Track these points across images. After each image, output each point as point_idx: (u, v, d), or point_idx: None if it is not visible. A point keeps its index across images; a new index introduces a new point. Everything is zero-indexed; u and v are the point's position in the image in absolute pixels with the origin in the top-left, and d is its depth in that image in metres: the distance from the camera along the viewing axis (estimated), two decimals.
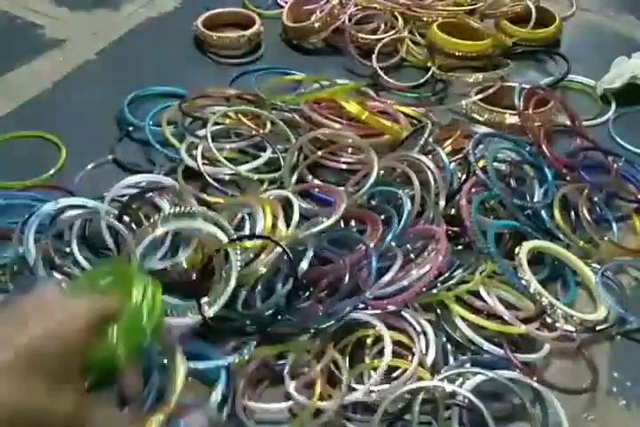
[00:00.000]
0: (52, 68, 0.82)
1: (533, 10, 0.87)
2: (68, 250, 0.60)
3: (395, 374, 0.54)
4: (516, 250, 0.59)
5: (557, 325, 0.56)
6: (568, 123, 0.75)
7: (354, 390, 0.52)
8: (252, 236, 0.57)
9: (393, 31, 0.86)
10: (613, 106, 0.80)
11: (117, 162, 0.70)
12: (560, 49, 0.88)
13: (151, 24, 0.90)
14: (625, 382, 0.56)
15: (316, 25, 0.85)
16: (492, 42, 0.82)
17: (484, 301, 0.56)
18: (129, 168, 0.69)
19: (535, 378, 0.54)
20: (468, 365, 0.54)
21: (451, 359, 0.55)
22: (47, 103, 0.77)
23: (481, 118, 0.75)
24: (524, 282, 0.57)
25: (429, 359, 0.54)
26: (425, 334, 0.55)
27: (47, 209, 0.59)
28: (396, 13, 0.88)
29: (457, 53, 0.81)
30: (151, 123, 0.72)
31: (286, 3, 0.90)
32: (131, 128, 0.73)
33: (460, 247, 0.62)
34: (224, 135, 0.71)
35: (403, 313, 0.56)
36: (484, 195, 0.62)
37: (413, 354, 0.54)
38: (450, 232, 0.63)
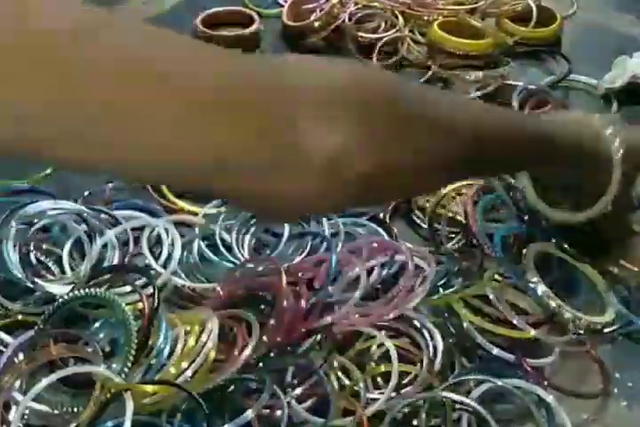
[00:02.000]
0: None
1: (534, 9, 0.86)
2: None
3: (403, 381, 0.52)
4: (523, 252, 0.58)
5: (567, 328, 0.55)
6: None
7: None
8: (156, 382, 0.47)
9: (393, 30, 0.85)
10: (615, 105, 0.79)
11: None
12: (561, 48, 0.87)
13: (150, 22, 0.89)
14: (626, 382, 0.55)
15: (316, 24, 0.84)
16: (493, 41, 0.81)
17: (491, 304, 0.55)
18: None
19: (546, 382, 0.53)
20: (473, 373, 0.53)
21: (456, 362, 0.54)
22: None
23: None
24: (532, 285, 0.56)
25: (437, 365, 0.53)
26: (433, 339, 0.54)
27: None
28: (397, 12, 0.86)
29: (457, 52, 0.80)
30: None
31: (286, 1, 0.89)
32: None
33: (457, 247, 0.62)
34: None
35: (410, 317, 0.55)
36: (490, 199, 0.62)
37: (421, 360, 0.53)
38: (450, 234, 0.63)
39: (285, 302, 0.52)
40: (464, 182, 0.64)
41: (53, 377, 0.47)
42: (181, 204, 0.65)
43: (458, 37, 0.80)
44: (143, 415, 0.47)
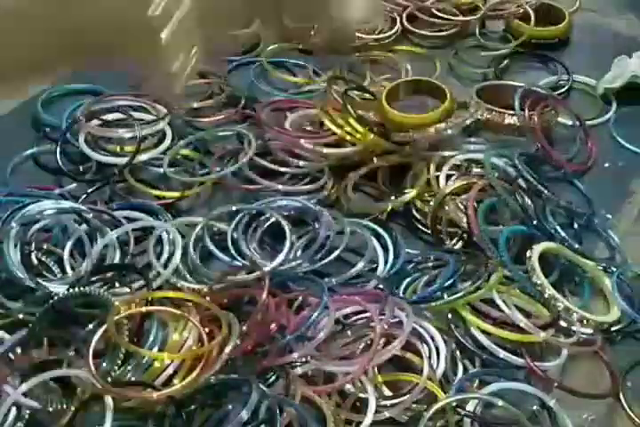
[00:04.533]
0: None
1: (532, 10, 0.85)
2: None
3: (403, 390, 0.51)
4: (528, 254, 0.56)
5: (573, 328, 0.54)
6: (569, 123, 0.74)
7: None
8: (134, 383, 0.48)
9: (392, 31, 0.85)
10: (614, 105, 0.78)
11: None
12: (562, 48, 0.86)
13: None
14: (625, 382, 0.54)
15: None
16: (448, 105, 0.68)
17: (497, 308, 0.54)
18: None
19: (555, 384, 0.52)
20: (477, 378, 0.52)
21: (459, 365, 0.53)
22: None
23: (480, 117, 0.72)
24: (538, 287, 0.55)
25: (439, 372, 0.51)
26: (437, 349, 0.52)
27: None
28: (395, 14, 0.86)
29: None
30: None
31: None
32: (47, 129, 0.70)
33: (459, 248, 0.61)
34: None
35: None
36: (490, 203, 0.61)
37: (421, 370, 0.51)
38: (449, 234, 0.62)
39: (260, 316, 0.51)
40: (464, 182, 0.63)
41: (35, 380, 0.47)
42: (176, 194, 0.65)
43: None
44: (131, 420, 0.47)
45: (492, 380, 0.52)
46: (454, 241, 0.62)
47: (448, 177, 0.65)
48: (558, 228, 0.61)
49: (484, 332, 0.53)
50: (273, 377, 0.51)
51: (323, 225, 0.60)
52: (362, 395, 0.50)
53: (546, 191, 0.63)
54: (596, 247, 0.64)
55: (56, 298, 0.52)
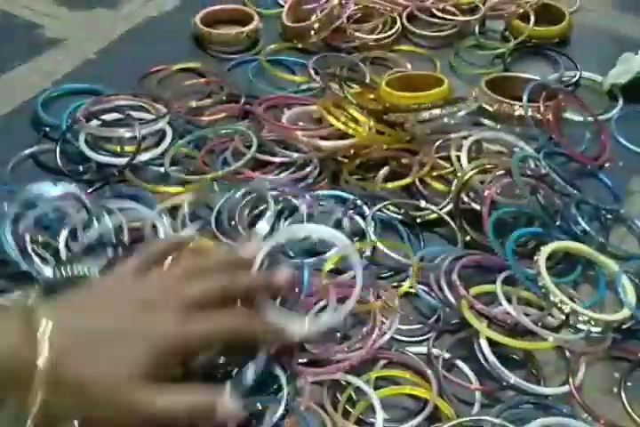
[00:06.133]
0: (52, 68, 0.79)
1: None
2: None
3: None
4: (535, 257, 0.56)
5: (583, 327, 0.54)
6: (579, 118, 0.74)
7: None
8: None
9: (392, 31, 0.85)
10: (620, 103, 0.78)
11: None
12: (561, 47, 0.86)
13: (151, 23, 0.87)
14: (627, 382, 0.54)
15: (316, 25, 0.83)
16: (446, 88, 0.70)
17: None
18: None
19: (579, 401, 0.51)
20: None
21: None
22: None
23: (490, 109, 0.72)
24: (543, 290, 0.55)
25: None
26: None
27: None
28: (396, 14, 0.86)
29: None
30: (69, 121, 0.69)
31: (286, 2, 0.88)
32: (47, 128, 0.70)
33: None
34: None
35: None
36: (508, 210, 0.61)
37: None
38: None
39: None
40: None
41: None
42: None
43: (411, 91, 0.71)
44: None
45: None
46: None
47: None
48: (586, 226, 0.61)
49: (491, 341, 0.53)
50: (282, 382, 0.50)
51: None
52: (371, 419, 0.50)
53: (573, 190, 0.63)
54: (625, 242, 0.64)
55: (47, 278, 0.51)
